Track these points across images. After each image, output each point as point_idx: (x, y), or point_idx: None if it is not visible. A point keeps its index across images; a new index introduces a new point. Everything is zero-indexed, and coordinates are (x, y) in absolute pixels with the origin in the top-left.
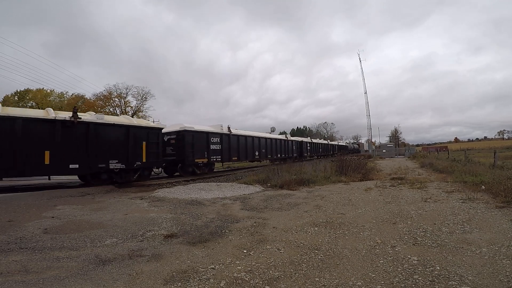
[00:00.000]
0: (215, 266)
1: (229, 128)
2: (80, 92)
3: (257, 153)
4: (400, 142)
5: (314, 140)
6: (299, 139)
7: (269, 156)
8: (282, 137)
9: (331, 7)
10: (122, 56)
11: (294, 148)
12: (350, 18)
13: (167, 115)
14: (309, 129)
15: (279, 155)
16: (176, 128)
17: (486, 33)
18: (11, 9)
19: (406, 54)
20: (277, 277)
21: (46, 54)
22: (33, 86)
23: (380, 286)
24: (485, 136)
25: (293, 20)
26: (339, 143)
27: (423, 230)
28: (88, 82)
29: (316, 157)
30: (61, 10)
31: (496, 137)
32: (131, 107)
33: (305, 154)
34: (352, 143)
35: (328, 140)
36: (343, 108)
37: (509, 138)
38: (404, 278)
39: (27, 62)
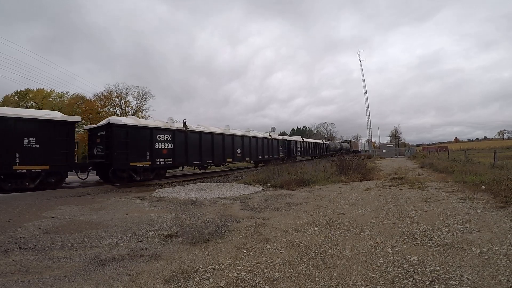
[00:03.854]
0: (215, 266)
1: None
2: (75, 90)
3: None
4: (400, 142)
5: (237, 132)
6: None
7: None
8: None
9: None
10: (115, 51)
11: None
12: (357, 11)
13: (165, 114)
14: (309, 129)
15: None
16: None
17: (498, 28)
18: None
19: (413, 50)
20: (277, 277)
21: (35, 50)
22: (23, 82)
23: (380, 286)
24: (485, 136)
25: (297, 13)
26: (311, 141)
27: (423, 230)
28: (81, 79)
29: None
30: (51, 4)
31: (496, 137)
32: (131, 107)
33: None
34: (340, 142)
35: (279, 135)
36: (346, 107)
37: (509, 138)
38: (404, 278)
39: (15, 58)
